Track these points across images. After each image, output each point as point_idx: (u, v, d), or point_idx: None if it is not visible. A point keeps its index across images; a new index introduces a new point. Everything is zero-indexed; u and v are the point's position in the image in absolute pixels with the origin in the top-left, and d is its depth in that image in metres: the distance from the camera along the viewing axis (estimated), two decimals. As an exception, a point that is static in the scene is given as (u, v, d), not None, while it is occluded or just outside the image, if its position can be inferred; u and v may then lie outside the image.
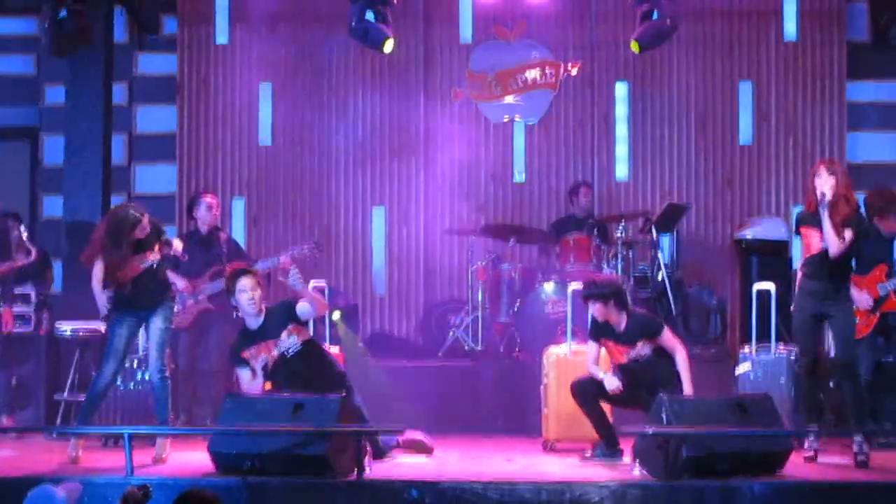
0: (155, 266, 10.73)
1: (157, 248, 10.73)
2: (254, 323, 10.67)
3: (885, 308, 11.50)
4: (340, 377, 10.82)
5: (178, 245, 10.88)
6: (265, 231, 15.51)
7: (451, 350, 14.11)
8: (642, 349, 10.85)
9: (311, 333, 10.92)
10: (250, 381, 10.61)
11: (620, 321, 10.96)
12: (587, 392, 10.96)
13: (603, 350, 11.14)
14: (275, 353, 10.58)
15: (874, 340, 11.60)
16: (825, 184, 10.29)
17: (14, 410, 12.58)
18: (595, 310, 11.03)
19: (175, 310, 11.87)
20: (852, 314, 10.64)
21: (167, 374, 10.90)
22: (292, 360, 10.61)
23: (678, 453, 9.53)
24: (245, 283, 10.57)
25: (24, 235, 12.46)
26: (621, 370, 10.99)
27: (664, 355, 10.84)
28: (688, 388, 10.63)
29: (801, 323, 10.78)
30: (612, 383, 10.83)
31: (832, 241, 10.24)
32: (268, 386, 10.65)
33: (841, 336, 10.50)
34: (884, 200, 11.51)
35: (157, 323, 10.77)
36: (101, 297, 10.67)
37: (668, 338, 10.88)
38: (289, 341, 10.58)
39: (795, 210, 14.90)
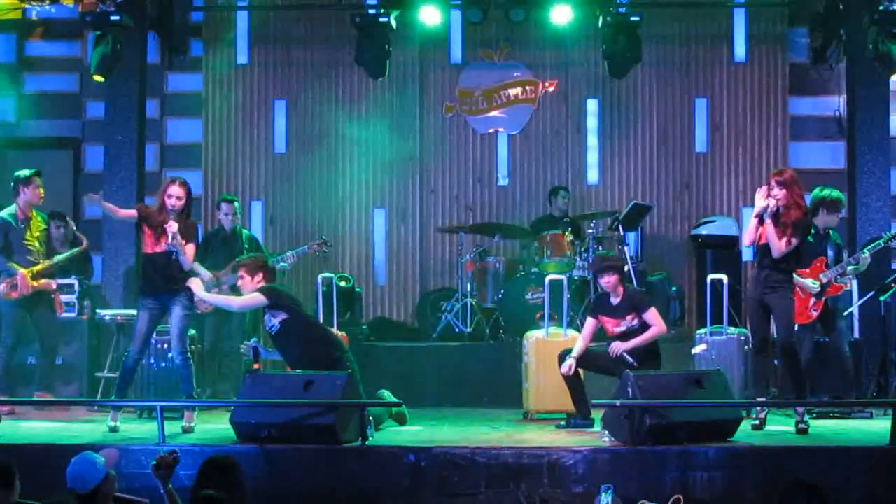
0: (175, 255, 10.67)
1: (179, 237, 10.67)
2: None
3: (828, 293, 11.58)
4: (327, 355, 10.64)
5: (173, 226, 10.73)
6: (280, 229, 15.49)
7: (444, 332, 14.11)
8: (631, 322, 10.81)
9: (288, 315, 10.61)
10: None
11: (619, 294, 10.94)
12: (563, 358, 10.95)
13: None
14: (268, 328, 10.70)
15: (814, 324, 11.65)
16: (776, 195, 10.35)
17: (48, 386, 12.43)
18: (609, 282, 10.92)
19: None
20: (791, 302, 10.63)
21: (189, 355, 10.89)
22: (275, 338, 10.69)
23: (642, 422, 9.53)
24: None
25: (73, 227, 12.41)
26: (614, 340, 10.96)
27: (645, 330, 10.83)
28: (631, 344, 10.68)
29: (750, 309, 10.87)
30: (564, 368, 10.89)
31: (775, 245, 10.31)
32: (256, 367, 10.83)
33: (781, 321, 10.52)
34: (814, 200, 11.66)
35: (177, 311, 10.76)
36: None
37: (653, 314, 10.85)
38: (270, 322, 10.66)
39: (745, 210, 14.91)
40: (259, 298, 10.62)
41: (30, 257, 12.05)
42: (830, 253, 11.81)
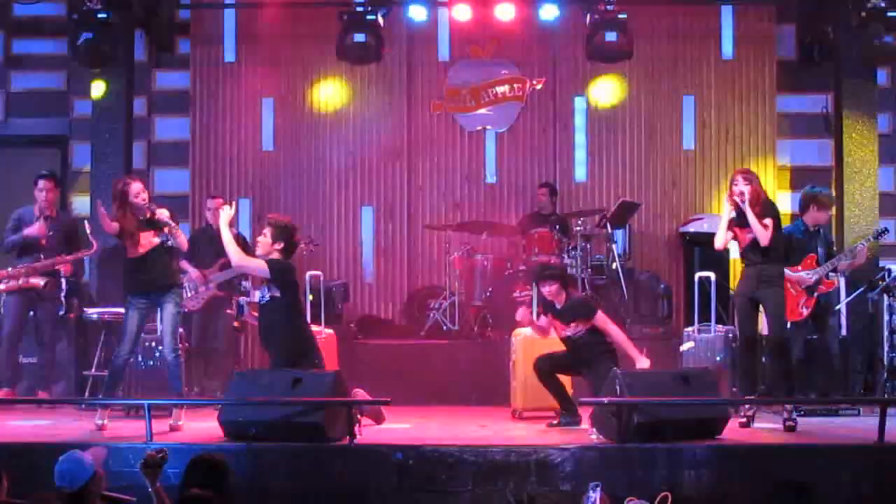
0: (164, 247, 10.61)
1: (165, 229, 10.60)
2: None
3: (820, 290, 11.61)
4: (300, 347, 10.51)
5: (164, 213, 10.66)
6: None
7: (431, 330, 14.12)
8: (577, 328, 10.92)
9: (281, 294, 10.37)
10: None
11: (561, 301, 11.07)
12: (544, 368, 11.03)
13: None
14: (257, 294, 10.53)
15: (806, 322, 11.66)
16: (744, 189, 10.53)
17: (48, 385, 12.48)
18: (550, 291, 11.08)
19: (188, 295, 11.90)
20: (782, 297, 10.69)
21: (179, 352, 10.84)
22: (261, 308, 10.51)
23: (630, 420, 9.53)
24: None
25: (88, 230, 12.35)
26: (565, 342, 11.12)
27: (600, 333, 10.88)
28: (634, 355, 10.80)
29: (739, 305, 10.89)
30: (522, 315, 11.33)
31: (759, 231, 10.42)
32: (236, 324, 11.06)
33: (773, 316, 10.56)
34: (805, 197, 11.73)
35: (168, 308, 10.70)
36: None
37: (601, 320, 10.95)
38: (262, 292, 10.43)
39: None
40: (262, 269, 10.36)
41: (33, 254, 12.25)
42: (820, 250, 11.83)
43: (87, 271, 14.34)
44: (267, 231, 10.51)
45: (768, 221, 10.49)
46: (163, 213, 10.56)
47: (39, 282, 12.23)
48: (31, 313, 12.38)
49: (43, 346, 12.49)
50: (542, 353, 11.16)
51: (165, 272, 10.72)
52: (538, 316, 11.50)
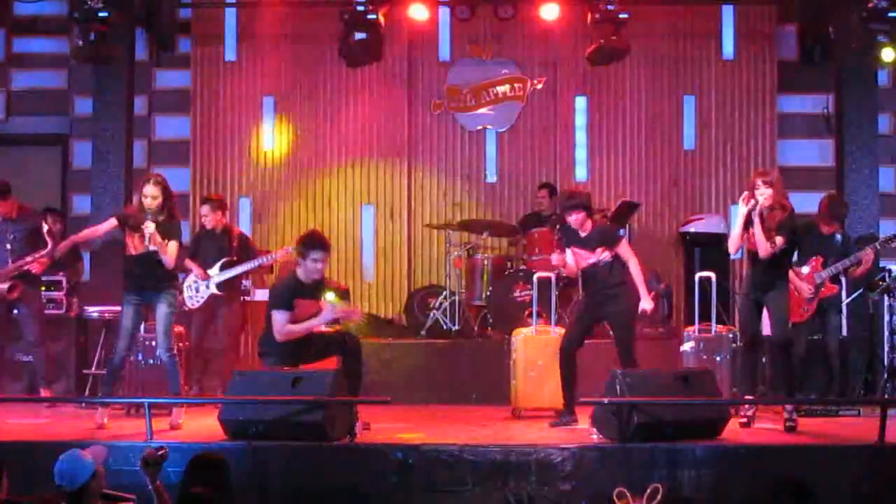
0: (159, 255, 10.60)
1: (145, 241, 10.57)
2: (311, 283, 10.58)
3: (822, 294, 11.59)
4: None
5: (149, 227, 10.60)
6: (268, 226, 15.47)
7: (432, 330, 14.10)
8: (601, 255, 10.86)
9: None
10: (284, 324, 10.40)
11: (587, 229, 11.00)
12: (570, 348, 10.91)
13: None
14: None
15: (812, 323, 11.66)
16: (762, 195, 10.30)
17: (51, 383, 12.47)
18: (577, 219, 10.97)
19: (190, 293, 11.89)
20: (787, 300, 10.61)
21: (175, 352, 10.82)
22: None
23: (630, 420, 9.53)
24: (320, 255, 10.49)
25: (45, 229, 12.22)
26: (584, 274, 11.10)
27: (619, 263, 10.88)
28: (643, 293, 10.87)
29: (742, 306, 10.87)
30: (555, 259, 11.27)
31: (762, 245, 10.25)
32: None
33: (776, 319, 10.51)
34: (825, 208, 11.67)
35: (162, 308, 10.68)
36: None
37: (625, 247, 10.98)
38: None
39: (734, 208, 14.90)
40: None
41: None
42: (831, 258, 11.79)
43: (88, 270, 14.34)
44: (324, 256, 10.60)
45: (780, 240, 10.26)
46: (148, 228, 10.47)
47: (4, 287, 12.08)
48: (16, 312, 12.30)
49: (32, 346, 12.42)
50: (567, 335, 11.12)
51: (159, 273, 10.67)
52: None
